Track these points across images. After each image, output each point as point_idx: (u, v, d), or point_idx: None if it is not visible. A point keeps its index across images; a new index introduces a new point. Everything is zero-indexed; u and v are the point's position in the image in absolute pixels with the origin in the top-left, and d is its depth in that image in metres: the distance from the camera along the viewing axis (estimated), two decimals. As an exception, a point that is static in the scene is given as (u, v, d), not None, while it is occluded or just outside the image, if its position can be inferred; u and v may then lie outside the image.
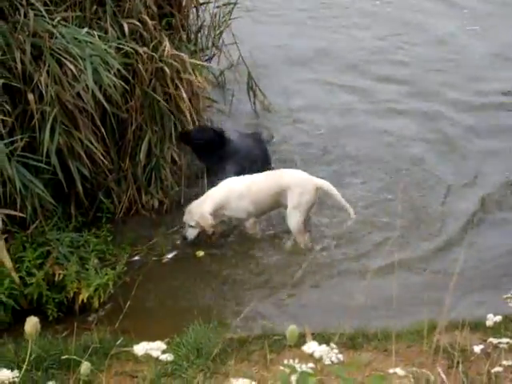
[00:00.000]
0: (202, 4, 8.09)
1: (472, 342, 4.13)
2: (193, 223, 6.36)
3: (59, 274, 5.62)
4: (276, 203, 6.49)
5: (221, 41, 8.33)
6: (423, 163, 7.47)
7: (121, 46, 6.18)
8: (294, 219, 6.37)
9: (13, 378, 2.36)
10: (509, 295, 3.61)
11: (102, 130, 6.16)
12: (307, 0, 11.04)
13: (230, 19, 8.27)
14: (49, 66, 5.67)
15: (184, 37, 7.23)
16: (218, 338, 4.92)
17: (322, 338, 4.12)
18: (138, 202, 6.72)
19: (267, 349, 4.69)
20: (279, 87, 8.65)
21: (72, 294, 5.64)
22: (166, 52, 6.51)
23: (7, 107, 5.60)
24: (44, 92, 5.66)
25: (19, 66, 5.57)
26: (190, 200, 6.59)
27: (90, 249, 5.96)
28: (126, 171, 6.67)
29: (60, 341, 5.04)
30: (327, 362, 2.35)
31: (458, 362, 3.56)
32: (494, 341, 3.13)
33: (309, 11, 10.65)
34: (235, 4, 8.32)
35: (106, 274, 5.72)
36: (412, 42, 9.89)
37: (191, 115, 6.71)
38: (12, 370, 2.42)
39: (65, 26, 5.77)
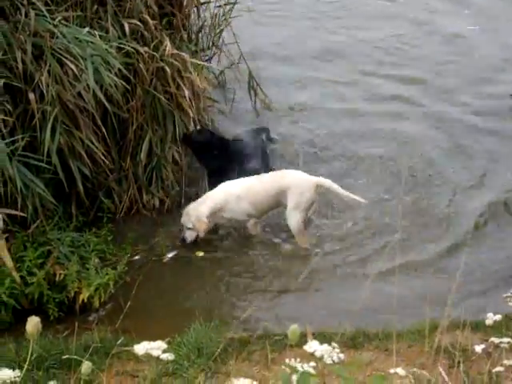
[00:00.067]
0: (202, 3, 8.09)
1: (473, 341, 4.13)
2: (190, 225, 6.36)
3: (60, 274, 5.61)
4: (276, 204, 6.50)
5: (221, 40, 8.33)
6: (429, 164, 7.44)
7: (122, 46, 6.18)
8: (294, 219, 6.37)
9: (14, 377, 2.36)
10: (509, 294, 3.61)
11: (103, 129, 6.16)
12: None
13: (230, 18, 8.26)
14: (50, 66, 5.67)
15: (185, 36, 7.23)
16: (219, 338, 4.91)
17: (323, 338, 4.12)
18: (139, 202, 6.72)
19: (268, 348, 4.68)
20: (280, 86, 8.64)
21: (73, 294, 5.63)
22: (166, 52, 6.51)
23: (8, 107, 5.60)
24: (45, 91, 5.66)
25: (20, 65, 5.57)
26: (190, 200, 6.60)
27: (90, 248, 5.96)
28: (127, 171, 6.67)
29: (61, 340, 5.04)
30: (328, 361, 2.35)
31: (459, 362, 3.56)
32: (495, 340, 3.13)
33: (311, 10, 10.65)
34: (235, 3, 8.31)
35: (107, 274, 5.72)
36: (417, 41, 9.87)
37: (192, 115, 6.71)
38: (13, 369, 2.42)
39: (66, 25, 5.77)
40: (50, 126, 5.71)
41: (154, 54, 6.49)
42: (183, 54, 6.69)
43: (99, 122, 6.12)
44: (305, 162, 7.30)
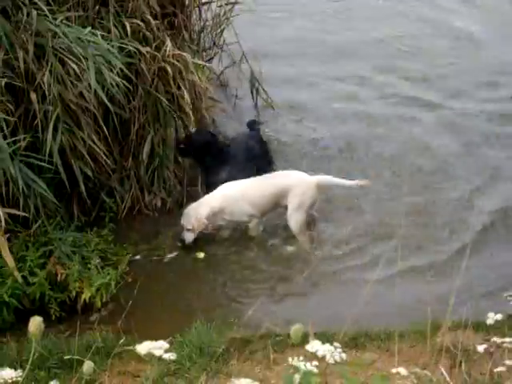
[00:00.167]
0: (204, 4, 8.09)
1: (475, 341, 4.13)
2: (190, 226, 6.36)
3: (61, 274, 5.62)
4: (277, 204, 6.50)
5: (222, 39, 8.32)
6: (434, 166, 7.40)
7: (123, 46, 6.18)
8: (295, 220, 6.38)
9: (16, 377, 2.36)
10: (510, 293, 3.61)
11: (105, 129, 6.16)
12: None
13: (231, 17, 8.26)
14: (52, 66, 5.67)
15: (186, 36, 7.22)
16: (221, 338, 4.92)
17: (325, 338, 4.12)
18: (141, 202, 6.73)
19: (270, 348, 4.68)
20: (283, 85, 8.64)
21: (74, 294, 5.64)
22: (168, 52, 6.52)
23: (10, 106, 5.60)
24: (47, 91, 5.66)
25: (22, 65, 5.57)
26: (192, 200, 6.60)
27: (92, 248, 5.96)
28: (129, 171, 6.68)
29: (62, 340, 5.04)
30: (331, 361, 2.36)
31: (460, 362, 3.56)
32: (497, 340, 3.12)
33: (313, 8, 10.65)
34: (235, 3, 8.30)
35: (109, 274, 5.73)
36: (425, 40, 9.83)
37: (194, 115, 6.71)
38: (15, 369, 2.42)
39: (68, 25, 5.76)
40: (51, 125, 5.70)
41: (156, 54, 6.50)
42: (185, 54, 6.69)
43: (101, 122, 6.12)
44: (308, 161, 7.30)
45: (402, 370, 2.75)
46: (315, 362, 2.36)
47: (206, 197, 6.49)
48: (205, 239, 6.53)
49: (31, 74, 5.71)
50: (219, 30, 8.33)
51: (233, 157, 6.86)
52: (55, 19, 5.68)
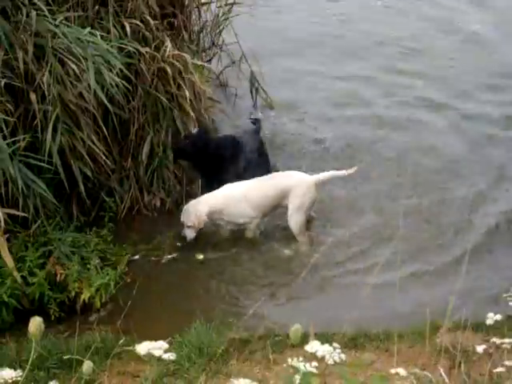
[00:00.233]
0: (203, 4, 8.10)
1: (474, 342, 4.12)
2: (190, 224, 6.37)
3: (61, 274, 5.62)
4: (277, 205, 6.50)
5: (221, 40, 8.33)
6: (437, 169, 7.38)
7: (123, 46, 6.18)
8: (295, 220, 6.39)
9: (16, 377, 2.36)
10: (510, 293, 3.61)
11: (105, 129, 6.16)
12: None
13: (230, 17, 8.26)
14: (51, 66, 5.67)
15: (186, 37, 7.23)
16: (221, 338, 4.91)
17: (324, 338, 4.12)
18: (140, 202, 6.73)
19: (269, 349, 4.68)
20: (282, 85, 8.65)
21: (73, 294, 5.64)
22: (167, 52, 6.52)
23: (9, 107, 5.60)
24: (46, 92, 5.66)
25: (21, 65, 5.57)
26: (192, 200, 6.61)
27: (91, 248, 5.96)
28: (129, 171, 6.68)
29: (62, 340, 5.04)
30: (330, 361, 2.36)
31: (459, 363, 3.56)
32: (497, 341, 3.12)
33: (313, 7, 10.66)
34: (234, 3, 8.31)
35: (108, 274, 5.73)
36: (431, 39, 9.84)
37: (193, 115, 6.71)
38: (14, 369, 2.42)
39: (67, 25, 5.76)
40: (51, 126, 5.71)
41: (156, 54, 6.50)
42: (184, 54, 6.69)
43: (100, 123, 6.12)
44: (308, 161, 7.30)
45: (401, 371, 2.76)
46: (314, 363, 2.36)
47: (206, 195, 6.49)
48: (204, 241, 6.53)
49: (31, 74, 5.71)
50: (218, 31, 8.33)
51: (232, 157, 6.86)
52: (55, 19, 5.68)
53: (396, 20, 10.31)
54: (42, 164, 5.70)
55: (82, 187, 6.07)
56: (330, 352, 2.38)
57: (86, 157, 6.01)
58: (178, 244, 6.50)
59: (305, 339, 2.55)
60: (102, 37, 5.88)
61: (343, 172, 6.43)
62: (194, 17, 7.83)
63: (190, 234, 6.43)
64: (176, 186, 6.90)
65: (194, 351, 4.79)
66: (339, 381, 2.52)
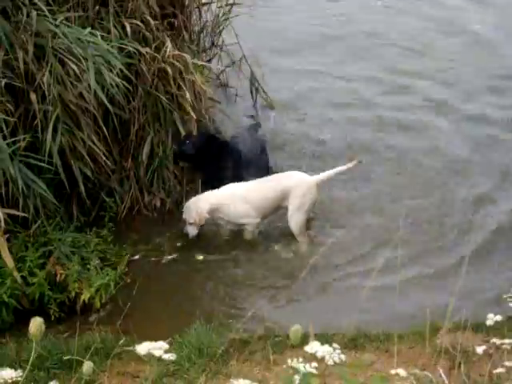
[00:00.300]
0: (204, 4, 8.10)
1: (474, 342, 4.12)
2: (191, 220, 6.38)
3: (61, 274, 5.62)
4: (278, 206, 6.49)
5: (222, 40, 8.33)
6: (439, 171, 7.36)
7: (123, 46, 6.19)
8: (296, 221, 6.39)
9: (16, 377, 2.36)
10: (510, 294, 3.60)
11: (105, 130, 6.16)
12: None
13: (230, 17, 8.26)
14: (51, 66, 5.67)
15: (186, 37, 7.23)
16: (221, 339, 4.91)
17: (324, 339, 4.12)
18: (141, 202, 6.73)
19: (269, 349, 4.68)
20: (282, 84, 8.66)
21: (73, 294, 5.64)
22: (168, 52, 6.52)
23: (10, 107, 5.60)
24: (46, 92, 5.66)
25: (22, 65, 5.57)
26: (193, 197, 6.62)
27: (91, 249, 5.96)
28: (129, 171, 6.68)
29: (62, 341, 5.04)
30: (330, 362, 2.36)
31: (459, 363, 3.56)
32: (497, 342, 3.12)
33: (313, 7, 10.66)
34: (233, 4, 8.31)
35: (108, 275, 5.73)
36: (434, 37, 9.85)
37: (194, 116, 6.71)
38: (14, 369, 2.42)
39: (67, 25, 5.76)
40: (51, 126, 5.71)
41: (156, 54, 6.50)
42: (185, 54, 6.69)
43: (101, 123, 6.12)
44: (309, 160, 7.30)
45: (401, 371, 2.76)
46: (314, 363, 2.36)
47: (207, 192, 6.49)
48: (204, 241, 6.54)
49: (31, 74, 5.71)
50: (218, 31, 8.33)
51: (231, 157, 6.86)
52: (55, 20, 5.68)
53: (396, 20, 10.30)
54: (43, 164, 5.70)
55: (82, 187, 6.07)
56: (329, 353, 2.37)
57: (87, 157, 6.01)
58: (178, 244, 6.50)
59: (305, 340, 2.55)
60: (102, 37, 5.88)
61: (344, 167, 6.43)
62: (194, 17, 7.83)
63: (191, 230, 6.44)
64: (176, 186, 6.90)
65: (194, 352, 4.79)
66: (339, 381, 2.52)
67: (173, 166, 6.84)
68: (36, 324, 2.49)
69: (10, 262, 5.42)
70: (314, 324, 2.80)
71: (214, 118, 7.58)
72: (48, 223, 5.86)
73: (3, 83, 5.55)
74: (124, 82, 6.03)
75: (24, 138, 5.65)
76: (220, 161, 6.80)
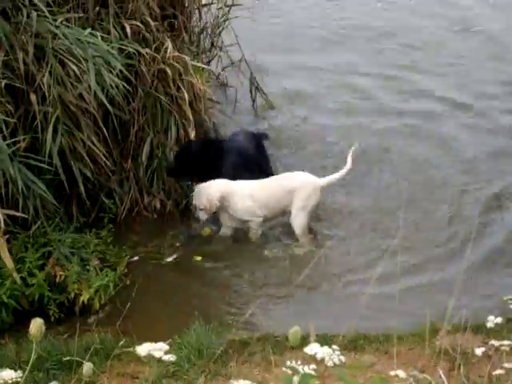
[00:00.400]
0: (204, 5, 8.10)
1: (474, 344, 4.12)
2: (202, 206, 6.39)
3: (60, 275, 5.61)
4: (283, 208, 6.47)
5: (221, 41, 8.33)
6: (438, 166, 7.38)
7: (123, 47, 6.19)
8: (299, 221, 6.39)
9: (16, 378, 2.36)
10: (510, 296, 3.61)
11: (105, 131, 6.16)
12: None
13: (228, 19, 8.27)
14: (51, 67, 5.67)
15: (186, 38, 7.23)
16: (220, 340, 4.91)
17: (324, 340, 4.12)
18: (140, 203, 6.72)
19: (269, 350, 4.68)
20: (283, 85, 8.66)
21: (73, 295, 5.63)
22: (168, 54, 6.52)
23: (10, 108, 5.60)
24: (46, 93, 5.66)
25: (22, 66, 5.57)
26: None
27: (90, 250, 5.96)
28: (128, 172, 6.68)
29: (61, 342, 5.03)
30: (329, 363, 2.36)
31: (459, 365, 3.56)
32: (496, 343, 3.12)
33: (315, 10, 10.66)
34: (232, 5, 8.32)
35: (107, 276, 5.73)
36: (436, 34, 9.90)
37: (193, 117, 6.71)
38: (15, 370, 2.42)
39: (67, 26, 5.77)
40: (51, 127, 5.71)
41: (156, 55, 6.50)
42: (184, 56, 6.69)
43: (101, 124, 6.12)
44: (310, 160, 7.30)
45: (401, 373, 2.76)
46: (313, 365, 2.36)
47: (218, 180, 6.49)
48: (204, 242, 6.54)
49: (31, 75, 5.71)
50: (218, 32, 8.34)
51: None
52: (55, 20, 5.69)
53: (398, 19, 10.32)
54: (42, 165, 5.70)
55: (82, 188, 6.07)
56: (329, 354, 2.38)
57: (86, 158, 6.02)
58: (177, 245, 6.49)
59: (305, 341, 2.55)
60: (102, 38, 5.89)
61: (344, 170, 6.43)
62: (194, 18, 7.83)
63: (202, 215, 6.47)
64: (176, 187, 6.90)
65: (194, 353, 4.78)
66: (339, 383, 2.52)
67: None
68: (36, 325, 2.49)
69: (9, 262, 5.42)
70: (314, 324, 2.79)
71: (213, 119, 7.58)
72: (48, 224, 5.86)
73: (3, 84, 5.56)
74: (124, 83, 6.03)
75: (24, 139, 5.65)
76: (217, 164, 6.77)
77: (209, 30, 8.27)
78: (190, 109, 6.62)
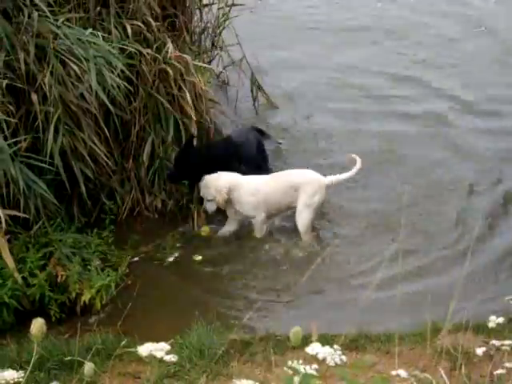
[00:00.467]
0: (205, 6, 8.10)
1: (475, 344, 4.12)
2: (210, 197, 6.40)
3: (62, 275, 5.62)
4: (288, 204, 6.48)
5: (222, 40, 8.33)
6: (438, 166, 7.38)
7: (124, 47, 6.19)
8: (303, 218, 6.39)
9: (18, 378, 2.36)
10: (511, 296, 3.61)
11: (106, 131, 6.17)
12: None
13: (229, 18, 8.27)
14: (52, 67, 5.68)
15: (187, 38, 7.23)
16: (221, 340, 4.91)
17: (325, 340, 4.12)
18: (141, 203, 6.72)
19: (270, 350, 4.68)
20: (283, 84, 8.66)
21: (74, 295, 5.64)
22: (169, 54, 6.52)
23: (11, 108, 5.61)
24: (48, 93, 5.67)
25: (23, 66, 5.58)
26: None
27: (92, 250, 5.96)
28: (130, 172, 6.68)
29: (63, 342, 5.03)
30: (331, 363, 2.35)
31: (460, 365, 3.55)
32: (497, 343, 3.12)
33: (315, 11, 10.66)
34: (233, 4, 8.32)
35: (108, 276, 5.73)
36: (442, 30, 9.92)
37: (194, 117, 6.71)
38: (16, 370, 2.42)
39: (69, 26, 5.78)
40: (52, 127, 5.71)
41: (157, 55, 6.50)
42: (186, 56, 6.69)
43: (102, 124, 6.13)
44: (310, 160, 7.30)
45: (402, 373, 2.76)
46: (315, 365, 2.36)
47: (226, 173, 6.51)
48: (204, 242, 6.54)
49: (32, 75, 5.72)
50: (219, 31, 8.34)
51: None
52: (56, 20, 5.70)
53: (398, 19, 10.33)
54: (43, 165, 5.71)
55: (83, 188, 6.08)
56: (330, 354, 2.37)
57: (87, 158, 6.02)
58: (179, 245, 6.49)
59: (306, 341, 2.55)
60: (103, 38, 5.90)
61: (352, 172, 6.44)
62: (195, 18, 7.84)
63: (210, 206, 6.50)
64: (177, 187, 6.89)
65: (195, 353, 4.78)
66: (340, 383, 2.51)
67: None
68: (37, 325, 2.49)
69: (10, 262, 5.42)
70: (316, 324, 2.79)
71: (215, 121, 7.58)
72: (49, 224, 5.86)
73: (4, 84, 5.56)
74: (125, 83, 6.04)
75: (25, 139, 5.66)
76: (217, 168, 6.77)
77: (210, 30, 8.27)
78: (193, 109, 6.61)
